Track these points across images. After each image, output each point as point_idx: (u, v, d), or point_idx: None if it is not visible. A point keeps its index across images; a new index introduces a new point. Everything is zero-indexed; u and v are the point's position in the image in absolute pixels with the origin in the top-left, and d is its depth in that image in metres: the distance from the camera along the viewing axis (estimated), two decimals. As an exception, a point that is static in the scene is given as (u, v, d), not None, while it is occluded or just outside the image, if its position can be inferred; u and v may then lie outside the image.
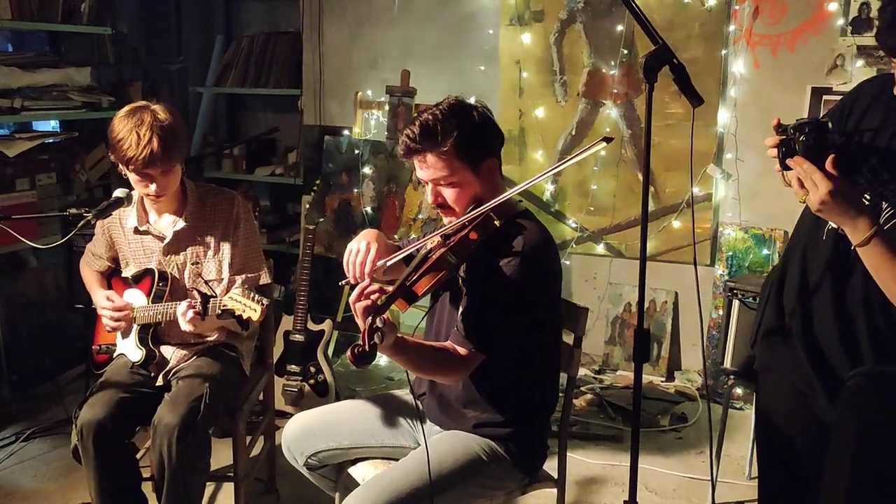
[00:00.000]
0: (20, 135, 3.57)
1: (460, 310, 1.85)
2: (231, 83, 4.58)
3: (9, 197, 3.44)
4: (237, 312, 2.05)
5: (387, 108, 3.79)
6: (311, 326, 3.35)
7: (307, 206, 3.58)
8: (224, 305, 2.07)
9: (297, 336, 3.33)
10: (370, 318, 1.57)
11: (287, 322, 3.36)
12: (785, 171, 1.59)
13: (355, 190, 3.75)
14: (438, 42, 3.96)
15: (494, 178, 1.90)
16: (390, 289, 1.67)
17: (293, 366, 3.32)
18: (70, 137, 3.76)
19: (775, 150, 1.58)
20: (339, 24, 4.19)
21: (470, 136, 1.82)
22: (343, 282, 1.89)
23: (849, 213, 1.50)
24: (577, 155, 1.73)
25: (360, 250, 1.84)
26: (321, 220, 3.42)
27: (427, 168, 1.84)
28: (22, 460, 2.96)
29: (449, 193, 1.85)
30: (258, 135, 4.75)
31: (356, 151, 3.76)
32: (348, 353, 1.57)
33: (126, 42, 4.32)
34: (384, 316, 1.60)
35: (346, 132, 3.95)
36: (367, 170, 3.74)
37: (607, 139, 1.66)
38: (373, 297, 1.64)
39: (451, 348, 1.81)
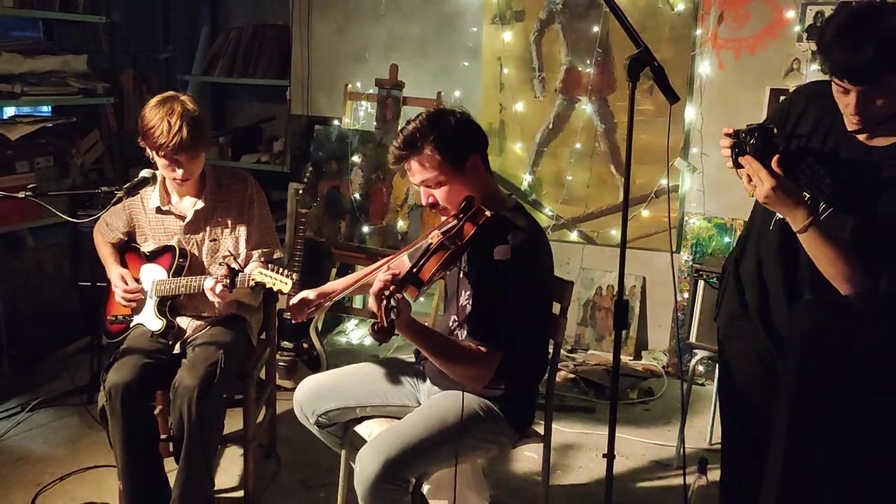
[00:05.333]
0: (21, 119, 3.68)
1: (466, 302, 2.06)
2: (219, 73, 4.73)
3: (9, 179, 3.54)
4: (268, 285, 2.24)
5: (376, 99, 3.97)
6: (304, 305, 3.53)
7: (300, 192, 3.77)
8: (254, 279, 2.26)
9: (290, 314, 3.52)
10: (384, 300, 1.75)
11: (280, 301, 3.53)
12: (737, 169, 1.84)
13: (344, 177, 3.94)
14: (424, 38, 4.17)
15: (480, 173, 2.09)
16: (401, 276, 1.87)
17: (286, 342, 3.51)
18: (69, 122, 3.87)
19: (728, 150, 1.82)
20: (327, 18, 4.38)
21: (446, 139, 2.01)
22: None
23: (789, 205, 1.75)
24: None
25: (300, 297, 2.17)
26: (315, 204, 3.60)
27: (413, 173, 2.05)
28: (30, 428, 3.10)
29: (439, 193, 2.05)
30: (257, 122, 4.91)
31: (346, 140, 3.95)
32: (369, 329, 1.76)
33: (117, 30, 4.44)
34: (398, 296, 1.77)
35: (335, 122, 4.13)
36: (356, 158, 3.93)
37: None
38: (386, 282, 1.80)
39: (465, 345, 2.00)
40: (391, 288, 1.77)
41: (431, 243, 1.98)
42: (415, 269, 1.88)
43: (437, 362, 1.98)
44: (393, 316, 1.73)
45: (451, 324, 2.10)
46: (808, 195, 1.82)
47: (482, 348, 1.98)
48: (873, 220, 1.74)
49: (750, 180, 1.80)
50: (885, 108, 1.72)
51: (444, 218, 2.10)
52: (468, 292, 2.07)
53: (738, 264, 2.07)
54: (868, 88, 1.68)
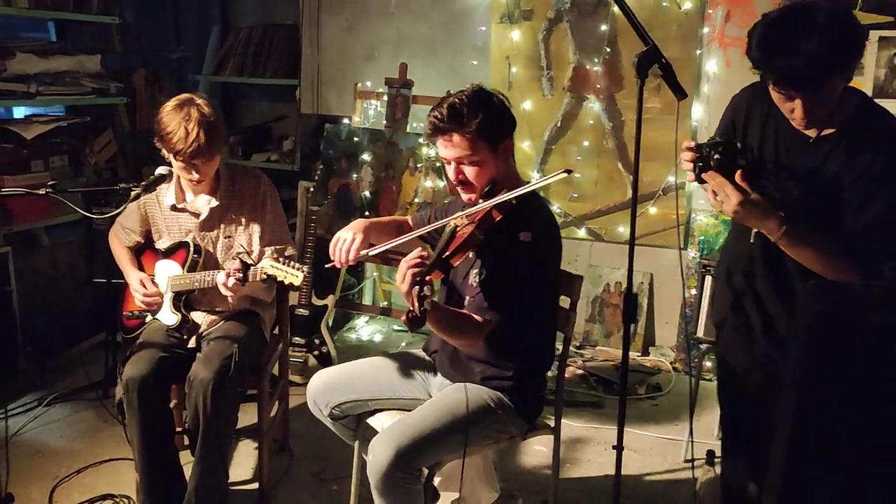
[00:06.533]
0: (36, 118, 3.74)
1: (475, 281, 2.09)
2: (229, 72, 4.78)
3: (25, 178, 3.60)
4: (279, 278, 2.27)
5: (385, 98, 4.01)
6: (315, 302, 3.58)
7: (310, 190, 3.81)
8: (266, 272, 2.29)
9: (301, 311, 3.56)
10: (416, 286, 1.77)
11: (292, 297, 3.58)
12: (701, 184, 1.84)
13: (354, 175, 3.98)
14: (433, 37, 4.21)
15: (510, 157, 2.15)
16: (430, 260, 1.87)
17: (298, 338, 3.55)
18: (83, 122, 3.92)
19: (690, 165, 1.82)
20: (336, 17, 4.42)
21: (491, 119, 2.03)
22: (328, 265, 2.16)
23: (758, 217, 1.77)
24: (541, 181, 2.03)
25: (346, 240, 2.13)
26: (326, 201, 3.64)
27: (452, 147, 2.04)
28: (46, 423, 3.16)
29: (470, 171, 2.07)
30: (267, 121, 4.96)
31: (355, 139, 3.99)
32: (403, 318, 1.79)
33: (129, 31, 4.50)
34: (428, 285, 1.79)
35: (345, 120, 4.17)
36: (365, 156, 3.97)
37: (568, 171, 1.96)
38: (419, 270, 1.81)
39: (469, 315, 2.06)
40: (427, 278, 1.80)
41: (457, 227, 1.99)
42: (444, 255, 1.89)
43: (439, 332, 2.02)
44: (426, 306, 1.75)
45: (466, 304, 2.13)
46: (777, 195, 1.83)
47: (477, 318, 2.04)
48: (843, 216, 1.76)
49: (716, 195, 1.80)
50: (828, 108, 1.74)
51: (465, 197, 2.13)
52: (476, 270, 2.10)
53: (730, 276, 2.08)
54: (812, 94, 1.70)
